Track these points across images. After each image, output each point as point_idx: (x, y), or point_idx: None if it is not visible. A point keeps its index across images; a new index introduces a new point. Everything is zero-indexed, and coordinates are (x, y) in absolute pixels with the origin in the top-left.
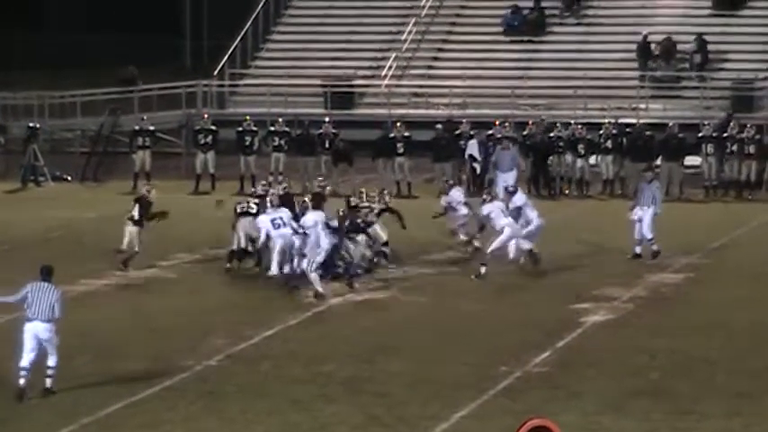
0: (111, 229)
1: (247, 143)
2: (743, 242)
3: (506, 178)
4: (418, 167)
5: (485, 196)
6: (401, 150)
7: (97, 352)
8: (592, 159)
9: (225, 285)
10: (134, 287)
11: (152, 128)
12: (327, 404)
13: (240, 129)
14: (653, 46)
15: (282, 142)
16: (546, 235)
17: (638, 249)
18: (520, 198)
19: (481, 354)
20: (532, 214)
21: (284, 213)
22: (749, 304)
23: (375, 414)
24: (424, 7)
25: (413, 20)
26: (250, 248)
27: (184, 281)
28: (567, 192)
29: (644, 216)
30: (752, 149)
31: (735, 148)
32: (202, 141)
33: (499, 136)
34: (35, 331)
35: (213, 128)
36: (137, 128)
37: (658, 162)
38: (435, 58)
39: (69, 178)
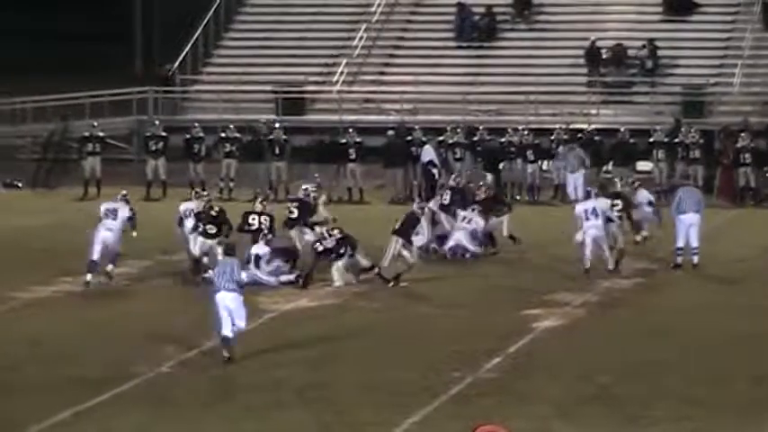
0: (63, 235)
1: (195, 150)
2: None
3: (575, 178)
4: (370, 173)
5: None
6: (353, 156)
7: (46, 359)
8: (543, 165)
9: (174, 292)
10: (84, 294)
11: (101, 134)
12: (279, 411)
13: (188, 136)
14: (603, 51)
15: (234, 148)
16: (499, 241)
17: (695, 259)
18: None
19: (433, 359)
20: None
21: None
22: (699, 310)
23: (327, 421)
24: (375, 13)
25: (364, 25)
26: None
27: (134, 288)
28: (518, 197)
29: (692, 223)
30: (697, 154)
31: (685, 153)
32: (153, 148)
33: (451, 141)
34: None
35: (164, 134)
36: (86, 134)
37: (610, 167)
38: (386, 64)
39: (20, 185)
